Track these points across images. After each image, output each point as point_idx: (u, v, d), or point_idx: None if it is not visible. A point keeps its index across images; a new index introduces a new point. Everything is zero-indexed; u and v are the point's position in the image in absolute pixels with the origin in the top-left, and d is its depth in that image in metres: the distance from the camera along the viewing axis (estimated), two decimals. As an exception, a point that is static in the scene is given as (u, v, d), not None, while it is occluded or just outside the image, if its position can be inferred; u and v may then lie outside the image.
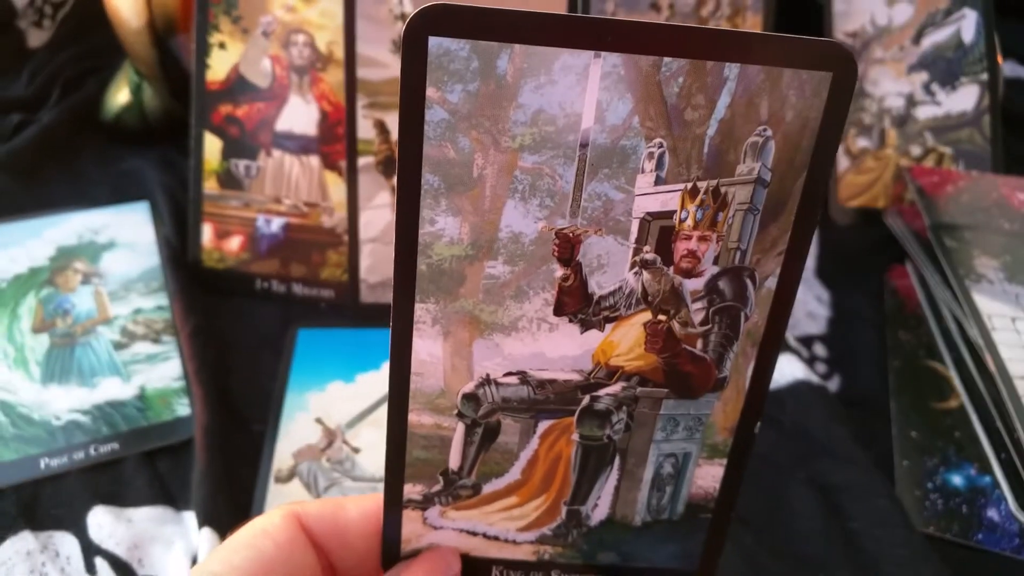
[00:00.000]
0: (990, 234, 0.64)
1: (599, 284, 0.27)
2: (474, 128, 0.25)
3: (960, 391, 0.57)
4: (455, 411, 0.29)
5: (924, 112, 0.75)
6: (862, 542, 0.48)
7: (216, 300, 0.62)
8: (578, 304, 0.27)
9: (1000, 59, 0.75)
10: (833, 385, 0.59)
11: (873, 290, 0.67)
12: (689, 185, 0.26)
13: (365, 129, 0.57)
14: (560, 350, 0.28)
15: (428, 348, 0.28)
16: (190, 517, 0.48)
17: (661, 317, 0.28)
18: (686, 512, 0.31)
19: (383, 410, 0.54)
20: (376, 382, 0.56)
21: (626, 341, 0.28)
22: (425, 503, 0.30)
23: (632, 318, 0.28)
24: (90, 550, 0.46)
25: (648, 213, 0.26)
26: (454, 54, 0.23)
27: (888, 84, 0.75)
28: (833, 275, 0.69)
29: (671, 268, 0.27)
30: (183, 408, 0.54)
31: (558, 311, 0.27)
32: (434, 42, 0.23)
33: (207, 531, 0.46)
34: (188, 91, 0.63)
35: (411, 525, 0.31)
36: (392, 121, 0.57)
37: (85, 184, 0.72)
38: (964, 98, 0.75)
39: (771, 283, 0.27)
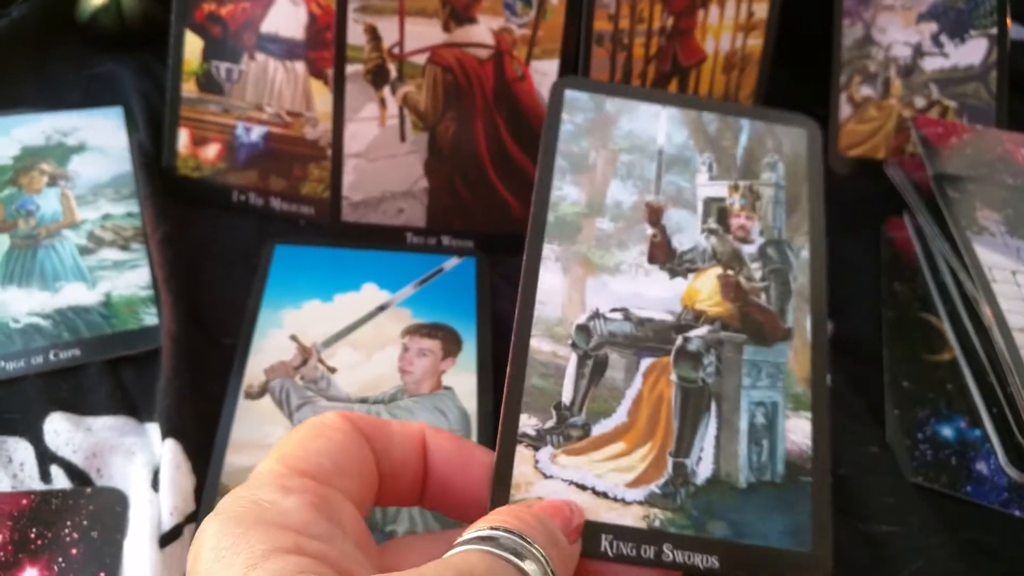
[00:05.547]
0: (993, 187, 0.62)
1: (679, 243, 0.37)
2: (590, 136, 0.39)
3: (953, 344, 0.56)
4: (569, 340, 0.34)
5: (931, 64, 0.72)
6: (851, 489, 0.47)
7: (190, 210, 0.59)
8: (665, 256, 0.37)
9: (1008, 22, 0.73)
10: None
11: (870, 240, 0.65)
12: (731, 183, 0.39)
13: (355, 35, 0.54)
14: (655, 292, 0.36)
15: (551, 280, 0.35)
16: (153, 428, 0.46)
17: (730, 272, 0.36)
18: (787, 473, 0.33)
19: (362, 331, 0.52)
20: (355, 303, 0.54)
21: (705, 288, 0.36)
22: (538, 441, 0.32)
23: (708, 271, 0.37)
24: (45, 457, 0.44)
25: (708, 197, 0.38)
26: (579, 99, 0.40)
27: (896, 32, 0.72)
28: (829, 223, 0.66)
29: (730, 236, 0.37)
30: (150, 318, 0.51)
31: (651, 260, 0.36)
32: (569, 93, 0.40)
33: (171, 442, 0.44)
34: (169, -12, 0.60)
35: (522, 467, 0.31)
36: (384, 26, 0.54)
37: (56, 86, 0.68)
38: (972, 51, 0.72)
39: (804, 254, 0.37)
